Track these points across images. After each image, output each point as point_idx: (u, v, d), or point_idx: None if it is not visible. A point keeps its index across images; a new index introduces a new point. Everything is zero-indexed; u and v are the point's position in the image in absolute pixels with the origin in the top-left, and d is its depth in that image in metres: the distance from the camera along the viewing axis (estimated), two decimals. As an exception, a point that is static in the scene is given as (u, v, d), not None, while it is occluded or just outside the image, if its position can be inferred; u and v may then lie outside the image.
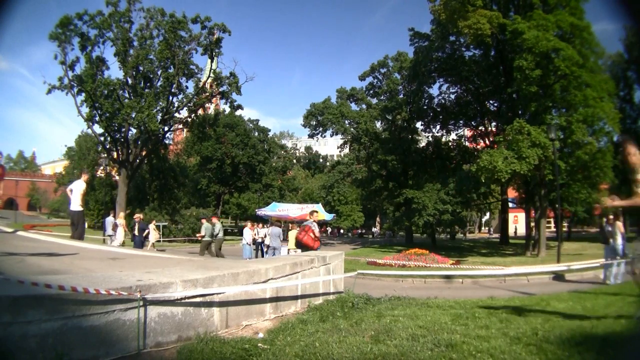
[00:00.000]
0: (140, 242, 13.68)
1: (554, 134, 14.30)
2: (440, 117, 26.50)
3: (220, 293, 3.83)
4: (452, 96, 25.97)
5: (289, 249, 12.20)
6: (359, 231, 54.29)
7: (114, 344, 2.89)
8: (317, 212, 8.69)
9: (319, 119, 30.72)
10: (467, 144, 28.58)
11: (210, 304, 3.75)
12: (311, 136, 32.72)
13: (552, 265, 11.17)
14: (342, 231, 53.98)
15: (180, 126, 31.06)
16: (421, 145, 29.89)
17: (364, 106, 32.66)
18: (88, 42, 24.13)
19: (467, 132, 28.08)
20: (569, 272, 10.11)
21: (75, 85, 24.09)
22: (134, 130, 26.74)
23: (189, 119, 29.31)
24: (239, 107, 30.04)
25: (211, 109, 37.48)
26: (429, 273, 10.43)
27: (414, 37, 25.62)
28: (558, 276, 10.17)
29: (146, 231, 14.58)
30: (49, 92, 24.12)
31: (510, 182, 19.61)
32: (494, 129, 24.39)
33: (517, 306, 5.26)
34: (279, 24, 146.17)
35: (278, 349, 3.27)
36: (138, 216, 14.45)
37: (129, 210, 26.48)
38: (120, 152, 26.74)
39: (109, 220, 13.63)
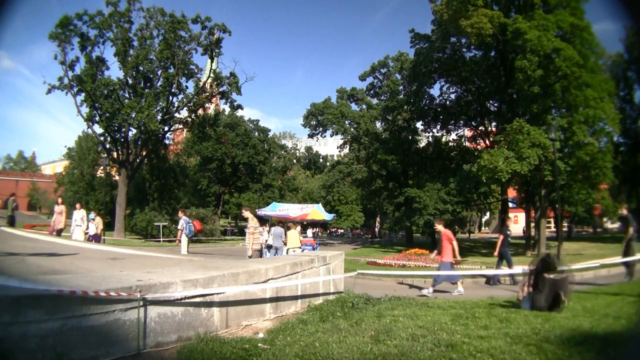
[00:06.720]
0: None
1: (554, 134, 14.26)
2: (441, 117, 26.42)
3: (220, 293, 3.83)
4: (453, 96, 25.90)
5: (288, 249, 12.22)
6: (359, 232, 53.70)
7: (113, 344, 2.89)
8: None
9: (319, 119, 30.71)
10: (467, 144, 28.54)
11: (210, 304, 3.75)
12: (311, 136, 32.69)
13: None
14: (341, 231, 53.79)
15: (180, 126, 31.10)
16: (421, 145, 29.84)
17: (364, 106, 32.65)
18: (88, 42, 24.15)
19: (468, 132, 28.03)
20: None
21: (75, 85, 24.10)
22: (134, 130, 26.75)
23: (189, 119, 29.33)
24: (239, 107, 30.12)
25: (211, 109, 37.48)
26: (429, 273, 10.39)
27: (414, 39, 25.60)
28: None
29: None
30: (49, 92, 24.19)
31: (511, 182, 19.57)
32: (494, 129, 24.35)
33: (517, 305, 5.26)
34: (280, 23, 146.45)
35: (278, 349, 3.27)
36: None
37: (129, 210, 26.45)
38: (120, 152, 26.75)
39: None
